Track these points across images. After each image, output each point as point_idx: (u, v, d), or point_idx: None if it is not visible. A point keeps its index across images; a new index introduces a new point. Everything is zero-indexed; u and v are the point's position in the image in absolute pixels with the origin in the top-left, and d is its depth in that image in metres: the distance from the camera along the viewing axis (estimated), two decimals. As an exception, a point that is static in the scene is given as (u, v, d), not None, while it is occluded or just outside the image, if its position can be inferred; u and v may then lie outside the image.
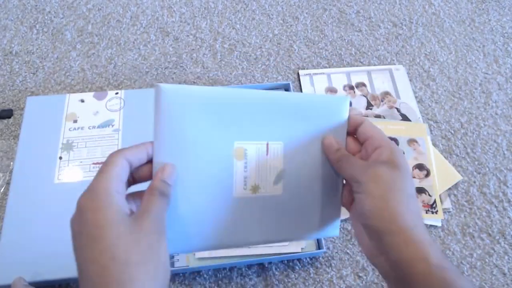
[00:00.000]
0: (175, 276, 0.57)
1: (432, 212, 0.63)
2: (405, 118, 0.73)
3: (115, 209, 0.30)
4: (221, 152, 0.36)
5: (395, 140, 0.69)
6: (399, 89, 0.77)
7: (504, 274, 0.60)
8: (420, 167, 0.67)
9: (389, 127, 0.71)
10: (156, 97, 0.34)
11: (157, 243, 0.30)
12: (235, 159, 0.37)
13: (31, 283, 0.51)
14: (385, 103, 0.75)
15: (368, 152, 0.37)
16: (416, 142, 0.69)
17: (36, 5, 0.83)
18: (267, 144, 0.38)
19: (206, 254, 0.56)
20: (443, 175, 0.67)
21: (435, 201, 0.64)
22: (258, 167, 0.38)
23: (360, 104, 0.74)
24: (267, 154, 0.38)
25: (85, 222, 0.29)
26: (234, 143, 0.37)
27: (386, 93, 0.76)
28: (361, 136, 0.39)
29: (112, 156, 0.32)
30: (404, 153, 0.68)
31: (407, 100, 0.75)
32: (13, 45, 0.77)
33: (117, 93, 0.69)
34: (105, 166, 0.31)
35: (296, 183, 0.39)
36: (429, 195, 0.64)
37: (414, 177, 0.66)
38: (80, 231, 0.29)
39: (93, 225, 0.29)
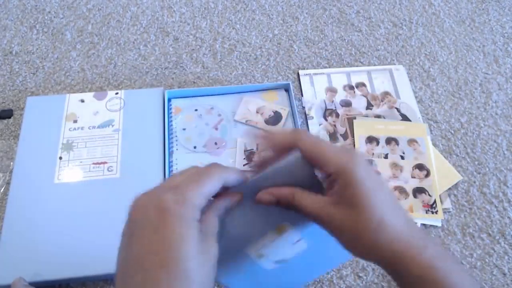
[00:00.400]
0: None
1: (432, 212, 0.63)
2: (405, 118, 0.73)
3: (195, 227, 0.29)
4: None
5: (395, 140, 0.69)
6: (399, 89, 0.77)
7: (504, 274, 0.60)
8: (420, 167, 0.67)
9: (389, 127, 0.71)
10: None
11: (214, 268, 0.30)
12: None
13: (31, 283, 0.51)
14: (385, 103, 0.75)
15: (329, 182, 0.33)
16: (416, 142, 0.69)
17: (36, 5, 0.83)
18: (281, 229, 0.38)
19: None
20: (443, 175, 0.67)
21: (435, 201, 0.64)
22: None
23: (360, 104, 0.74)
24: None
25: (165, 225, 0.28)
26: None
27: (386, 93, 0.76)
28: (308, 158, 0.33)
29: (214, 169, 0.31)
30: (404, 153, 0.68)
31: (407, 100, 0.75)
32: (13, 45, 0.77)
33: (117, 93, 0.69)
34: (203, 177, 0.30)
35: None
36: (429, 195, 0.64)
37: (414, 177, 0.66)
38: (155, 228, 0.28)
39: (173, 233, 0.28)
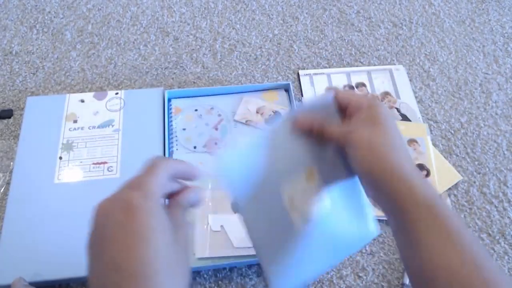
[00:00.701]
0: (175, 276, 0.57)
1: None
2: (405, 118, 0.73)
3: (163, 216, 0.30)
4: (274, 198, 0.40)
5: None
6: (399, 89, 0.77)
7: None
8: (420, 167, 0.67)
9: None
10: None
11: (187, 257, 0.31)
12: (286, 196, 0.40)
13: (31, 283, 0.51)
14: (385, 103, 0.75)
15: (351, 117, 0.39)
16: (416, 142, 0.69)
17: (36, 5, 0.83)
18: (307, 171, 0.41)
19: (206, 254, 0.56)
20: (443, 175, 0.67)
21: (435, 201, 0.64)
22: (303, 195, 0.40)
23: (360, 104, 0.74)
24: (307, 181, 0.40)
25: (134, 220, 0.28)
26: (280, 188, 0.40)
27: (386, 93, 0.76)
28: (342, 106, 0.40)
29: (156, 160, 0.32)
30: None
31: (407, 100, 0.75)
32: (13, 45, 0.77)
33: (117, 93, 0.69)
34: (153, 168, 0.31)
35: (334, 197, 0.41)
36: None
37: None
38: (125, 227, 0.28)
39: (143, 226, 0.28)
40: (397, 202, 0.34)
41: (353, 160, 0.37)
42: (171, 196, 0.34)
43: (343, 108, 0.40)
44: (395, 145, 0.36)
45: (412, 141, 0.69)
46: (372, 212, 0.44)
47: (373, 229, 0.44)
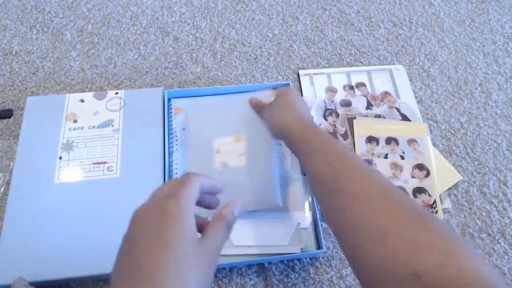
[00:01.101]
0: (175, 276, 0.57)
1: (432, 212, 0.63)
2: (405, 118, 0.73)
3: (192, 226, 0.31)
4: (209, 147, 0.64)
5: (395, 140, 0.69)
6: (399, 89, 0.77)
7: (504, 274, 0.60)
8: (420, 167, 0.67)
9: (389, 127, 0.71)
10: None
11: (212, 270, 0.32)
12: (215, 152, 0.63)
13: (31, 283, 0.51)
14: (385, 103, 0.75)
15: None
16: (416, 142, 0.69)
17: (36, 5, 0.83)
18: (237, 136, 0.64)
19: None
20: (443, 175, 0.67)
21: (435, 201, 0.64)
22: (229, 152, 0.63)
23: (360, 104, 0.74)
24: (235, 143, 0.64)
25: (164, 228, 0.30)
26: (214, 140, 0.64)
27: (386, 93, 0.76)
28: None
29: (190, 175, 0.35)
30: (404, 152, 0.68)
31: (407, 100, 0.75)
32: (13, 45, 0.77)
33: (117, 93, 0.69)
34: (186, 181, 0.34)
35: (253, 158, 0.62)
36: (429, 195, 0.64)
37: (414, 177, 0.66)
38: (154, 233, 0.30)
39: (172, 233, 0.30)
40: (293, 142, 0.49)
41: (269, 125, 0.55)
42: (207, 206, 0.37)
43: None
44: (291, 113, 0.52)
45: (412, 141, 0.69)
46: (279, 189, 0.61)
47: (278, 200, 0.59)
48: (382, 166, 0.67)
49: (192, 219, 0.32)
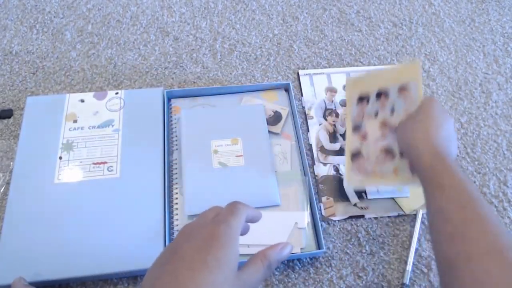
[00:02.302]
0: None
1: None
2: (405, 118, 0.73)
3: (236, 254, 0.33)
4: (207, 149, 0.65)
5: (385, 93, 0.58)
6: (399, 89, 0.76)
7: (504, 274, 0.59)
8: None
9: (380, 78, 0.60)
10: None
11: None
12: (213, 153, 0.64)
13: (31, 283, 0.51)
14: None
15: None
16: (407, 89, 0.56)
17: (36, 5, 0.83)
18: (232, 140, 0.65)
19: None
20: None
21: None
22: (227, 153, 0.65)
23: (360, 104, 0.74)
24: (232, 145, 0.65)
25: (210, 249, 0.32)
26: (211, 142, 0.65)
27: (386, 93, 0.76)
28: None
29: (239, 204, 0.37)
30: (394, 105, 0.57)
31: (407, 100, 0.75)
32: (13, 45, 0.77)
33: (117, 93, 0.69)
34: (235, 210, 0.36)
35: (252, 158, 0.64)
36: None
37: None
38: (201, 252, 0.32)
39: (216, 256, 0.32)
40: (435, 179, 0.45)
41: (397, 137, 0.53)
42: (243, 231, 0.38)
43: None
44: (426, 130, 0.48)
45: (402, 89, 0.57)
46: (277, 187, 0.62)
47: (277, 198, 0.61)
48: (372, 127, 0.59)
49: (237, 247, 0.34)
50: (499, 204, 0.65)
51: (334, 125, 0.72)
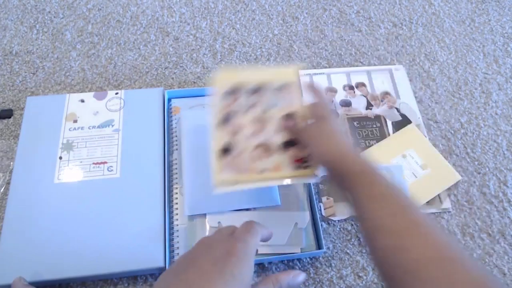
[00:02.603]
0: (175, 276, 0.57)
1: (304, 168, 0.52)
2: (405, 118, 0.73)
3: (251, 272, 0.34)
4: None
5: (261, 88, 0.56)
6: (399, 89, 0.77)
7: (504, 274, 0.60)
8: (290, 116, 0.55)
9: (256, 75, 0.58)
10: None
11: None
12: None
13: (31, 283, 0.51)
14: (385, 103, 0.75)
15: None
16: (286, 90, 0.56)
17: (36, 5, 0.83)
18: None
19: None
20: (443, 175, 0.67)
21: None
22: None
23: (360, 104, 0.74)
24: None
25: (227, 265, 0.33)
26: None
27: (386, 93, 0.76)
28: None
29: (255, 224, 0.38)
30: (271, 102, 0.56)
31: (407, 100, 0.75)
32: (13, 45, 0.77)
33: (117, 93, 0.69)
34: (252, 229, 0.37)
35: None
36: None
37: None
38: (217, 265, 0.33)
39: (233, 272, 0.33)
40: (342, 171, 0.45)
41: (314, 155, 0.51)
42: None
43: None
44: (339, 144, 0.48)
45: (281, 89, 0.56)
46: (277, 188, 0.62)
47: (277, 199, 0.60)
48: (244, 122, 0.55)
49: (253, 266, 0.35)
50: (499, 204, 0.65)
51: (334, 125, 0.72)
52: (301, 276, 0.39)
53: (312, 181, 0.53)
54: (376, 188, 0.42)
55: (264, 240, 0.40)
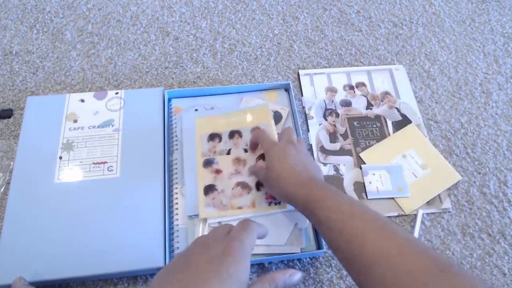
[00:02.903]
0: (175, 276, 0.57)
1: (275, 204, 0.59)
2: (405, 118, 0.73)
3: (247, 270, 0.34)
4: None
5: (238, 132, 0.65)
6: (399, 89, 0.77)
7: (504, 274, 0.60)
8: (264, 157, 0.59)
9: (232, 120, 0.66)
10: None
11: None
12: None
13: (31, 283, 0.51)
14: (385, 103, 0.75)
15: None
16: (260, 129, 0.64)
17: (36, 5, 0.83)
18: None
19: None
20: (443, 175, 0.67)
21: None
22: None
23: (360, 104, 0.74)
24: None
25: (223, 263, 0.33)
26: None
27: (386, 93, 0.76)
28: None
29: (251, 223, 0.38)
30: (247, 145, 0.63)
31: (407, 100, 0.75)
32: (13, 45, 0.77)
33: (117, 93, 0.69)
34: (248, 228, 0.37)
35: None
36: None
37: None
38: (213, 264, 0.33)
39: (228, 270, 0.33)
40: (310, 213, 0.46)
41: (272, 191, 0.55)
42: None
43: None
44: (279, 175, 0.51)
45: (255, 130, 0.64)
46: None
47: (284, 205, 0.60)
48: (225, 163, 0.62)
49: (249, 264, 0.35)
50: (499, 204, 0.65)
51: (334, 125, 0.72)
52: (297, 275, 0.39)
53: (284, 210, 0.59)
54: (328, 200, 0.44)
55: (260, 237, 0.40)
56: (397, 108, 0.74)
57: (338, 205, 0.42)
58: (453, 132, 0.72)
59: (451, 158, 0.69)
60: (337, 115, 0.73)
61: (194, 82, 0.75)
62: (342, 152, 0.69)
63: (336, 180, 0.66)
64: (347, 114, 0.73)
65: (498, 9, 0.90)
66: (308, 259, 0.59)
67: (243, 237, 0.36)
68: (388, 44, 0.83)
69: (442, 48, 0.83)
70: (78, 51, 0.77)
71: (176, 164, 0.64)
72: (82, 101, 0.68)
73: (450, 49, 0.83)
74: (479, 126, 0.73)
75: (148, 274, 0.57)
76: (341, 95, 0.75)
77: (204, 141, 0.64)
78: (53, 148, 0.62)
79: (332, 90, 0.76)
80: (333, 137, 0.70)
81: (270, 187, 0.53)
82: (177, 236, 0.58)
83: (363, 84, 0.77)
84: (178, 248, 0.57)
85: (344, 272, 0.58)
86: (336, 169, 0.67)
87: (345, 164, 0.68)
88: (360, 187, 0.66)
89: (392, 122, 0.73)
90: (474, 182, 0.67)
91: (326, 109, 0.74)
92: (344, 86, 0.76)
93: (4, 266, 0.53)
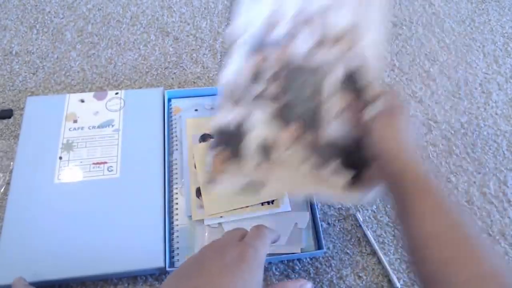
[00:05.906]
0: (175, 276, 0.57)
1: (268, 203, 0.59)
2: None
3: (260, 277, 0.34)
4: None
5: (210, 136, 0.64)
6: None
7: (504, 274, 0.60)
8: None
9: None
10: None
11: None
12: None
13: (31, 283, 0.51)
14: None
15: None
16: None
17: (36, 5, 0.83)
18: None
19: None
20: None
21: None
22: None
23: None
24: None
25: (240, 268, 0.33)
26: None
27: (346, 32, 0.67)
28: None
29: (264, 229, 0.38)
30: None
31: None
32: (13, 45, 0.77)
33: (117, 93, 0.69)
34: (261, 234, 0.37)
35: None
36: None
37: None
38: (228, 269, 0.33)
39: (243, 277, 0.32)
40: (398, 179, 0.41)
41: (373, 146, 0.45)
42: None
43: None
44: (405, 144, 0.43)
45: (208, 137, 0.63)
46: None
47: (287, 205, 0.59)
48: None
49: (262, 273, 0.34)
50: (499, 204, 0.65)
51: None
52: (308, 286, 0.38)
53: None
54: (434, 197, 0.39)
55: (273, 243, 0.40)
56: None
57: (450, 204, 0.39)
58: (453, 132, 0.72)
59: (451, 158, 0.69)
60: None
61: (194, 82, 0.75)
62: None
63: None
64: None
65: (498, 9, 0.90)
66: (308, 259, 0.59)
67: (258, 245, 0.36)
68: (388, 44, 0.83)
69: (442, 48, 0.83)
70: (78, 51, 0.77)
71: (176, 164, 0.64)
72: (82, 101, 0.68)
73: (450, 49, 0.83)
74: (479, 126, 0.73)
75: (148, 274, 0.57)
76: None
77: (196, 141, 0.65)
78: (53, 148, 0.62)
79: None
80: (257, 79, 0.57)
81: (380, 135, 0.43)
82: (177, 236, 0.58)
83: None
84: (178, 248, 0.57)
85: (344, 272, 0.58)
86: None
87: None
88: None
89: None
90: (474, 182, 0.67)
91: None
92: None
93: (4, 266, 0.53)
